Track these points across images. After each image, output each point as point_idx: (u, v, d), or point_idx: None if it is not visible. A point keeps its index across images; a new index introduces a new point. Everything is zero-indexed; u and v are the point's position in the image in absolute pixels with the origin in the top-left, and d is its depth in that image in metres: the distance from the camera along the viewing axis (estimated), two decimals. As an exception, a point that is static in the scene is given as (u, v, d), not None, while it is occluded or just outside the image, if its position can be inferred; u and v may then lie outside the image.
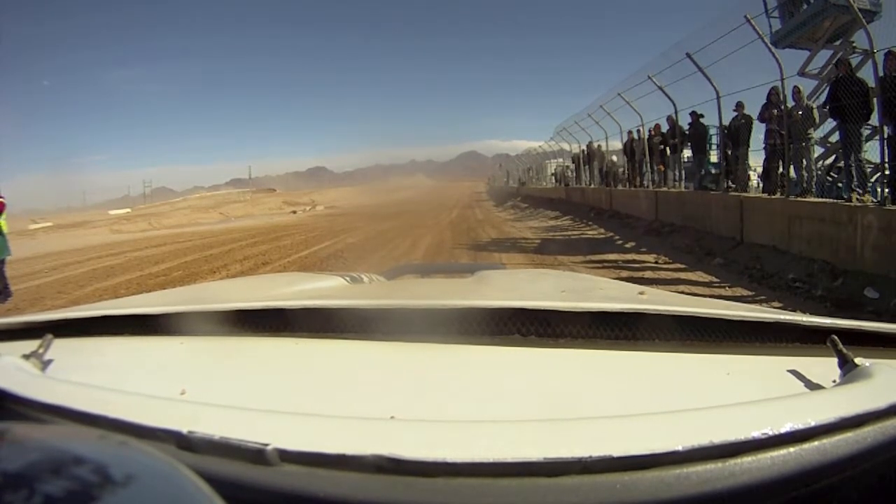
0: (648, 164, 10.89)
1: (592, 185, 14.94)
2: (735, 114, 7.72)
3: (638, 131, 11.23)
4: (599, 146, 14.29)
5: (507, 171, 36.86)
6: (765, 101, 6.98)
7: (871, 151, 5.70)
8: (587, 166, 15.47)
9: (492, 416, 0.45)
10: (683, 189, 9.51)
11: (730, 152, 8.00)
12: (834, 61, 6.78)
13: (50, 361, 0.59)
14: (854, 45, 6.75)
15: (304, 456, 0.38)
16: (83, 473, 0.29)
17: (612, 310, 0.65)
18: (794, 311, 1.06)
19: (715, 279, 5.79)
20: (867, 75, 5.59)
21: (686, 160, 9.67)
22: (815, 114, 6.53)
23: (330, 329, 0.70)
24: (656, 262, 6.97)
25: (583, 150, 15.78)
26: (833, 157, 7.32)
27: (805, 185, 6.55)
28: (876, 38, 5.34)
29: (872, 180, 5.70)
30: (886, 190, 5.12)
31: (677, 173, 9.93)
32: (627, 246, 8.50)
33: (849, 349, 0.54)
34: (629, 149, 11.73)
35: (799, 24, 7.44)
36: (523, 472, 0.37)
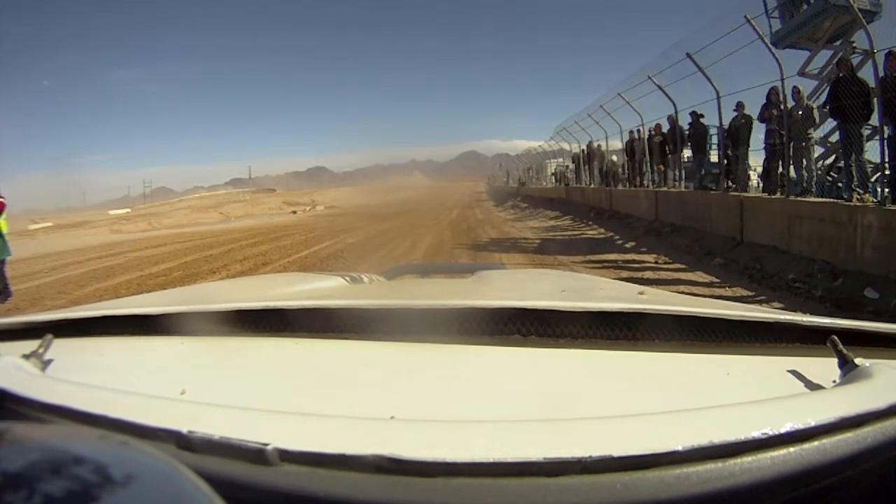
0: (648, 164, 10.89)
1: (592, 185, 14.94)
2: (735, 114, 7.72)
3: (638, 131, 11.23)
4: (599, 146, 14.29)
5: (507, 171, 36.88)
6: (765, 101, 6.98)
7: (871, 151, 5.70)
8: (587, 166, 15.47)
9: (492, 416, 0.45)
10: (683, 189, 9.50)
11: (730, 152, 8.00)
12: (835, 61, 6.79)
13: (50, 361, 0.59)
14: (854, 45, 6.76)
15: (304, 456, 0.38)
16: (83, 473, 0.29)
17: (612, 310, 0.65)
18: (794, 311, 1.06)
19: (715, 279, 5.79)
20: (867, 75, 5.59)
21: (686, 160, 9.67)
22: (815, 114, 6.53)
23: (330, 329, 0.70)
24: (656, 262, 6.96)
25: (583, 150, 15.78)
26: (833, 157, 7.32)
27: (805, 185, 6.55)
28: (876, 38, 5.34)
29: (872, 180, 5.69)
30: (886, 190, 5.12)
31: (677, 173, 9.93)
32: (627, 246, 8.50)
33: (849, 349, 0.54)
34: (629, 149, 11.73)
35: (799, 25, 7.45)
36: (523, 472, 0.37)
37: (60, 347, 0.62)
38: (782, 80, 6.57)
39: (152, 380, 0.59)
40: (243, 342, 0.70)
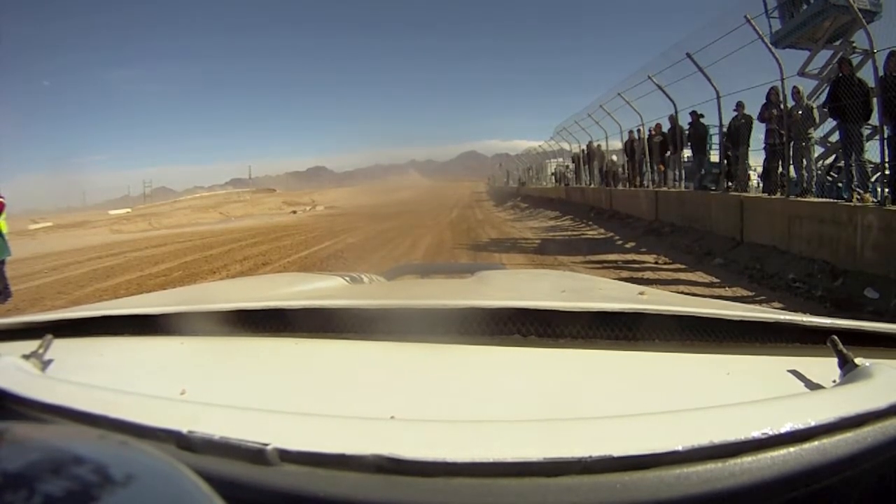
0: (648, 164, 10.89)
1: (592, 185, 14.94)
2: (735, 114, 7.72)
3: (638, 131, 11.23)
4: (599, 146, 14.29)
5: (507, 171, 36.87)
6: (765, 101, 6.98)
7: (871, 151, 5.70)
8: (587, 166, 15.47)
9: (492, 416, 0.45)
10: (683, 189, 9.51)
11: (730, 152, 8.00)
12: (835, 61, 6.78)
13: (50, 361, 0.59)
14: (854, 45, 6.75)
15: (304, 456, 0.38)
16: (83, 473, 0.29)
17: (612, 310, 0.65)
18: (794, 311, 1.06)
19: (715, 279, 5.79)
20: (867, 75, 5.59)
21: (686, 160, 9.67)
22: (815, 114, 6.53)
23: (330, 329, 0.70)
24: (656, 263, 6.96)
25: (583, 150, 15.78)
26: (833, 157, 7.32)
27: (805, 185, 6.55)
28: (876, 38, 5.34)
29: (872, 180, 5.70)
30: (886, 190, 5.13)
31: (677, 173, 9.93)
32: (627, 246, 8.50)
33: (849, 349, 0.54)
34: (629, 148, 11.73)
35: (799, 25, 7.45)
36: (523, 472, 0.37)
37: (60, 347, 0.62)
38: (782, 79, 6.57)
39: (152, 380, 0.59)
40: (243, 342, 0.70)
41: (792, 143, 6.55)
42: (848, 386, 0.49)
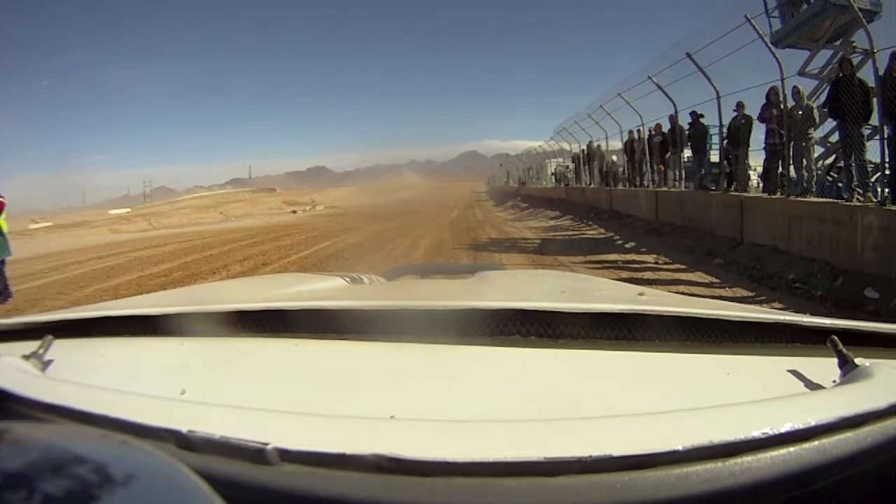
0: (648, 164, 10.89)
1: (592, 185, 14.94)
2: (735, 114, 7.72)
3: (638, 131, 11.23)
4: (599, 146, 14.28)
5: (507, 171, 36.86)
6: (765, 100, 6.98)
7: (871, 151, 5.70)
8: (587, 166, 15.47)
9: (492, 416, 0.45)
10: (683, 189, 9.51)
11: (730, 152, 8.00)
12: (835, 61, 6.78)
13: (50, 362, 0.59)
14: (854, 45, 6.76)
15: (304, 456, 0.38)
16: (83, 473, 0.29)
17: (612, 310, 0.65)
18: (794, 311, 1.06)
19: (715, 279, 5.79)
20: (867, 75, 5.59)
21: (686, 160, 9.67)
22: (815, 114, 6.52)
23: (330, 330, 0.70)
24: (656, 263, 6.96)
25: (583, 150, 15.78)
26: (833, 157, 7.32)
27: (805, 185, 6.55)
28: (876, 37, 5.34)
29: (872, 180, 5.70)
30: (886, 190, 5.12)
31: (677, 173, 9.93)
32: (627, 246, 8.50)
33: (849, 349, 0.54)
34: (629, 149, 11.73)
35: (799, 24, 7.45)
36: (523, 471, 0.37)
37: (61, 348, 0.62)
38: (782, 79, 6.57)
39: (152, 380, 0.59)
40: (243, 342, 0.70)
41: (792, 143, 6.55)
42: (848, 386, 0.49)
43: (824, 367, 0.55)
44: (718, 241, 7.22)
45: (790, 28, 7.57)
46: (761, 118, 7.10)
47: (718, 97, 7.99)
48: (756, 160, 7.89)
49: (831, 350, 0.55)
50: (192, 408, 0.45)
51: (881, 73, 5.16)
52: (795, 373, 0.56)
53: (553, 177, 21.53)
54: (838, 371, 0.53)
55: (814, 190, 6.59)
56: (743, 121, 7.62)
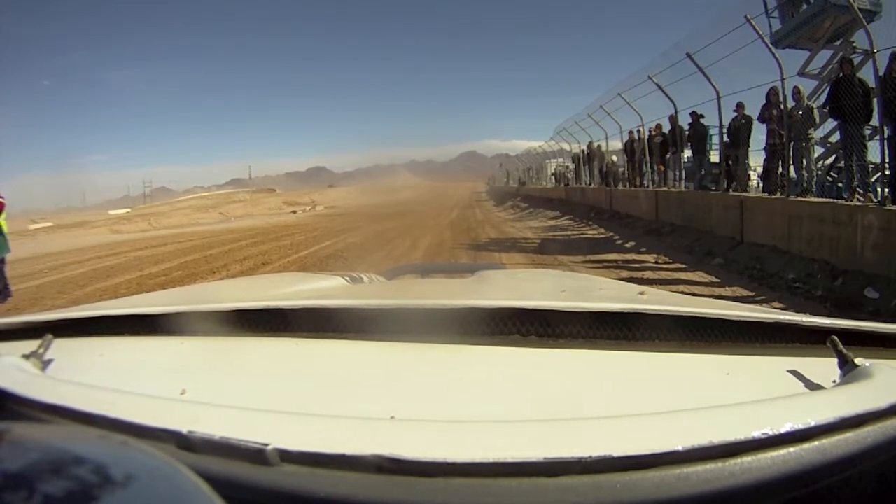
0: (648, 164, 10.89)
1: (592, 185, 14.94)
2: (735, 114, 7.72)
3: (638, 131, 11.23)
4: (599, 146, 14.28)
5: (506, 171, 36.83)
6: (765, 101, 6.98)
7: (871, 151, 5.70)
8: (587, 166, 15.47)
9: (492, 416, 0.45)
10: (683, 189, 9.51)
11: (730, 153, 8.00)
12: (836, 61, 6.78)
13: (50, 361, 0.59)
14: (854, 45, 6.75)
15: (304, 456, 0.38)
16: (83, 473, 0.29)
17: (612, 310, 0.65)
18: (794, 311, 1.06)
19: (715, 279, 5.79)
20: (867, 75, 5.59)
21: (686, 160, 9.67)
22: (815, 114, 6.52)
23: (330, 329, 0.70)
24: (656, 262, 6.96)
25: (583, 150, 15.78)
26: (833, 157, 7.32)
27: (805, 185, 6.55)
28: (876, 38, 5.34)
29: (873, 180, 5.70)
30: (886, 190, 5.12)
31: (677, 173, 9.93)
32: (627, 246, 8.50)
33: (849, 349, 0.54)
34: (629, 149, 11.73)
35: (799, 24, 7.44)
36: (523, 472, 0.37)
37: (60, 347, 0.62)
38: (782, 80, 6.57)
39: (152, 380, 0.59)
40: (243, 342, 0.70)
41: (792, 144, 6.55)
42: (848, 386, 0.49)
43: (824, 367, 0.55)
44: (718, 240, 7.22)
45: (790, 28, 7.57)
46: (761, 118, 7.10)
47: (718, 97, 7.99)
48: (756, 160, 7.90)
49: (831, 350, 0.55)
50: (192, 408, 0.45)
51: (881, 73, 5.16)
52: (795, 373, 0.56)
53: (553, 177, 21.52)
54: (838, 371, 0.53)
55: (814, 190, 6.59)
56: (743, 121, 7.62)
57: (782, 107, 6.62)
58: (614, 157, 13.72)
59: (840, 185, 6.52)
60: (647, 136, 10.80)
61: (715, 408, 0.43)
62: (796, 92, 6.52)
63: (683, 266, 6.59)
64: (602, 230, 10.64)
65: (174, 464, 0.33)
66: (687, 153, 9.49)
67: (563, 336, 0.65)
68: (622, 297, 0.91)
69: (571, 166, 18.10)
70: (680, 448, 0.38)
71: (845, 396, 0.46)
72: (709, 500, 0.37)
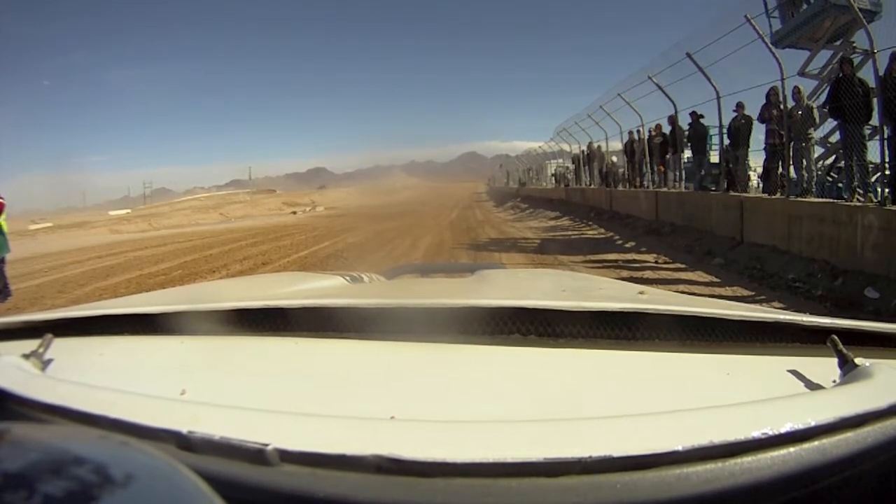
0: (648, 165, 10.89)
1: (592, 186, 14.93)
2: (735, 114, 7.72)
3: (638, 131, 11.23)
4: (599, 147, 14.28)
5: (506, 172, 36.81)
6: (765, 101, 6.98)
7: (871, 151, 5.70)
8: (587, 167, 15.47)
9: (492, 416, 0.45)
10: (683, 189, 9.51)
11: (730, 153, 8.00)
12: (836, 61, 6.78)
13: (50, 361, 0.59)
14: (854, 45, 6.75)
15: (304, 456, 0.38)
16: (83, 473, 0.29)
17: (612, 309, 0.65)
18: (794, 311, 1.06)
19: (715, 279, 5.79)
20: (867, 75, 5.59)
21: (686, 160, 9.67)
22: (816, 114, 6.52)
23: (330, 329, 0.70)
24: (656, 262, 6.96)
25: (583, 151, 15.77)
26: (833, 157, 7.32)
27: (805, 185, 6.55)
28: (876, 37, 5.34)
29: (872, 180, 5.70)
30: (886, 190, 5.12)
31: (677, 173, 9.93)
32: (627, 246, 8.50)
33: (849, 349, 0.54)
34: (629, 149, 11.73)
35: (799, 24, 7.44)
36: (523, 472, 0.37)
37: (60, 347, 0.62)
38: (782, 80, 6.57)
39: (152, 380, 0.59)
40: (243, 342, 0.70)
41: (792, 144, 6.55)
42: (848, 386, 0.49)
43: (824, 367, 0.55)
44: (718, 240, 7.22)
45: (790, 28, 7.57)
46: (761, 118, 7.10)
47: (718, 97, 7.99)
48: (756, 160, 7.90)
49: (831, 350, 0.55)
50: (192, 408, 0.45)
51: (881, 73, 5.16)
52: (795, 373, 0.56)
53: (553, 178, 21.52)
54: (838, 371, 0.53)
55: (814, 190, 6.59)
56: (743, 121, 7.62)
57: (782, 107, 6.62)
58: (614, 158, 13.72)
59: (840, 185, 6.52)
60: (647, 137, 10.80)
61: (715, 408, 0.43)
62: (796, 92, 6.52)
63: (683, 266, 6.59)
64: (602, 230, 10.64)
65: (174, 464, 0.33)
66: (687, 153, 9.49)
67: (564, 336, 0.65)
68: (622, 296, 0.91)
69: (571, 167, 18.09)
70: (680, 448, 0.38)
71: (845, 396, 0.46)
72: (709, 500, 0.37)
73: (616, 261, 7.11)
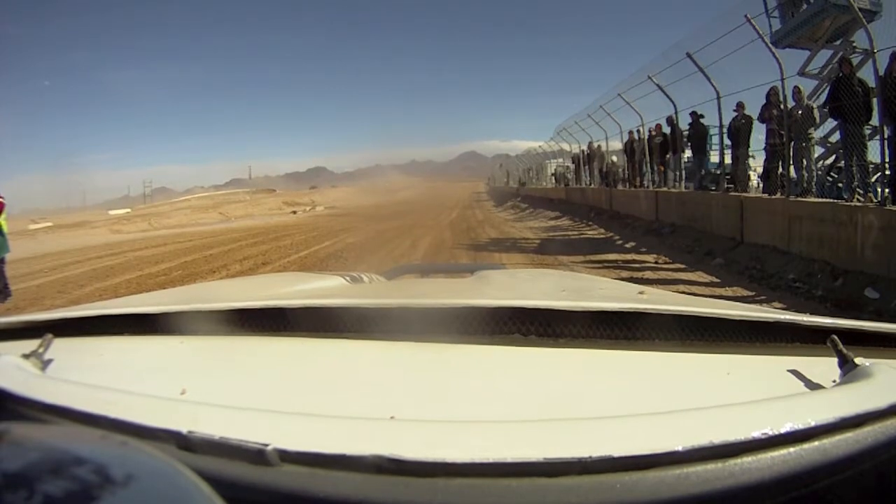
0: (648, 165, 10.89)
1: (592, 186, 14.93)
2: (735, 114, 7.72)
3: (638, 131, 11.23)
4: (599, 146, 14.29)
5: (506, 172, 36.79)
6: (765, 101, 6.98)
7: (871, 151, 5.70)
8: (587, 166, 15.47)
9: (492, 416, 0.45)
10: (683, 189, 9.51)
11: (730, 153, 8.00)
12: (836, 61, 6.78)
13: (50, 361, 0.59)
14: (854, 44, 6.75)
15: (304, 456, 0.38)
16: (83, 473, 0.29)
17: (612, 309, 0.65)
18: (794, 311, 1.06)
19: (715, 279, 5.79)
20: (867, 75, 5.59)
21: (686, 160, 9.67)
22: (816, 114, 6.52)
23: (330, 328, 0.70)
24: (656, 262, 6.97)
25: (583, 151, 15.78)
26: (833, 157, 7.31)
27: (805, 185, 6.55)
28: (876, 37, 5.34)
29: (873, 180, 5.70)
30: (886, 190, 5.12)
31: (677, 173, 9.93)
32: (627, 246, 8.50)
33: (849, 349, 0.54)
34: (629, 149, 11.73)
35: (799, 24, 7.44)
36: (523, 472, 0.37)
37: (60, 347, 0.62)
38: (782, 79, 6.57)
39: (152, 380, 0.59)
40: (243, 342, 0.70)
41: (792, 144, 6.55)
42: (848, 386, 0.49)
43: (824, 367, 0.55)
44: (718, 241, 7.22)
45: (790, 28, 7.56)
46: (761, 118, 7.11)
47: (718, 97, 7.98)
48: (756, 161, 7.89)
49: (831, 350, 0.55)
50: (192, 408, 0.45)
51: (881, 73, 5.16)
52: (795, 373, 0.56)
53: (553, 177, 21.52)
54: (838, 371, 0.53)
55: (814, 190, 6.59)
56: (743, 121, 7.62)
57: (782, 107, 6.62)
58: (614, 158, 13.72)
59: (840, 185, 6.52)
60: (647, 137, 10.80)
61: (715, 408, 0.43)
62: (796, 92, 6.52)
63: (683, 266, 6.59)
64: (602, 230, 10.64)
65: (174, 464, 0.33)
66: (687, 153, 9.49)
67: (564, 336, 0.65)
68: (622, 296, 0.91)
69: (571, 167, 18.10)
70: (680, 448, 0.38)
71: (845, 396, 0.46)
72: (709, 500, 0.37)
73: (616, 261, 7.11)
